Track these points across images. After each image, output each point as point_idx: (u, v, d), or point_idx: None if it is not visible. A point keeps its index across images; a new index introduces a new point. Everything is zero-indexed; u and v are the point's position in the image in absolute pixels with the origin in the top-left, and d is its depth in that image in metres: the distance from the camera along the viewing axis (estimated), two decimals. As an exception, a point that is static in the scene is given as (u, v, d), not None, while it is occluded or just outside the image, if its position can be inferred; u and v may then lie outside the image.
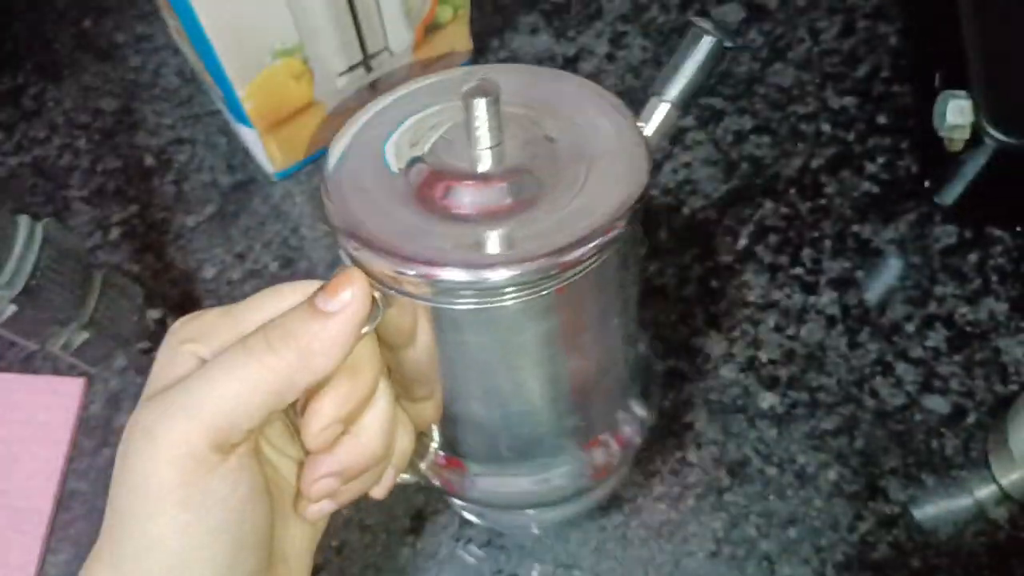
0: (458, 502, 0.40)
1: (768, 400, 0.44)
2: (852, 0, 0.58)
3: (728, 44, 0.25)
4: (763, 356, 0.46)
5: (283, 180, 0.53)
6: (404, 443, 0.28)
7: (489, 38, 0.58)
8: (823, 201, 0.50)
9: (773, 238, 0.49)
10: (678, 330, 0.47)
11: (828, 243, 0.49)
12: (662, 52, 0.57)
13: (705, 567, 0.41)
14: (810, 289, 0.48)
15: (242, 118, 0.48)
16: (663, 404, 0.44)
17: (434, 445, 0.32)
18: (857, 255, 0.48)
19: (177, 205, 0.53)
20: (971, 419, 0.43)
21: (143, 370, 0.47)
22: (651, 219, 0.50)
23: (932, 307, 0.47)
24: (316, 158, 0.54)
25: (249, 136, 0.50)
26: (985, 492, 0.42)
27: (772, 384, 0.45)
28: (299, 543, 0.26)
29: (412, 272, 0.22)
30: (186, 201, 0.53)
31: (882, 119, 0.53)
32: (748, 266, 0.48)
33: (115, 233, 0.52)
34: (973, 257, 0.48)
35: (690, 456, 0.43)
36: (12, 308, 0.36)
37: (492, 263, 0.22)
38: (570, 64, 0.56)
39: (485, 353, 0.26)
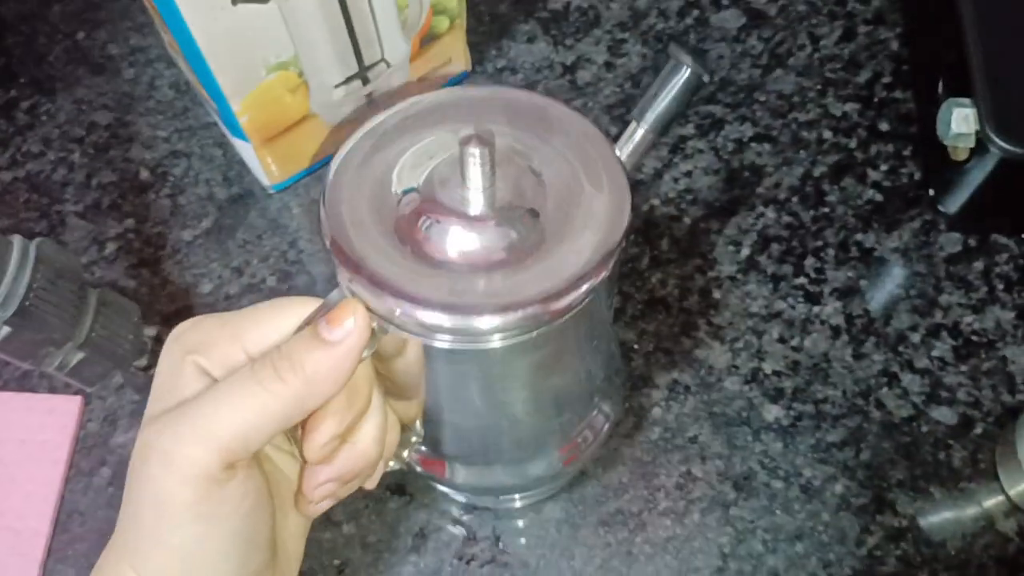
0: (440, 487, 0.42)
1: (773, 412, 0.44)
2: (852, 5, 0.58)
3: (705, 79, 0.26)
4: (767, 367, 0.45)
5: (280, 192, 0.53)
6: (392, 437, 0.29)
7: (486, 47, 0.57)
8: (826, 209, 0.50)
9: (776, 247, 0.49)
10: (680, 342, 0.46)
11: (831, 252, 0.49)
12: (661, 60, 0.56)
13: (711, 583, 0.40)
14: (814, 299, 0.47)
15: (237, 132, 0.47)
16: (666, 417, 0.44)
17: (415, 438, 0.33)
18: (861, 264, 0.48)
19: (173, 219, 0.52)
20: (979, 429, 0.43)
21: (140, 388, 0.47)
22: (652, 229, 0.50)
23: (938, 316, 0.46)
24: (313, 171, 0.53)
25: (245, 149, 0.50)
26: (994, 504, 0.41)
27: (777, 396, 0.44)
28: (295, 529, 0.28)
29: (406, 315, 0.23)
30: (182, 215, 0.53)
31: (884, 125, 0.53)
32: (751, 276, 0.48)
33: (110, 248, 0.52)
34: (978, 265, 0.48)
35: (695, 470, 0.43)
36: (6, 330, 0.36)
37: (481, 310, 0.23)
38: (568, 72, 0.56)
39: (470, 379, 0.28)
